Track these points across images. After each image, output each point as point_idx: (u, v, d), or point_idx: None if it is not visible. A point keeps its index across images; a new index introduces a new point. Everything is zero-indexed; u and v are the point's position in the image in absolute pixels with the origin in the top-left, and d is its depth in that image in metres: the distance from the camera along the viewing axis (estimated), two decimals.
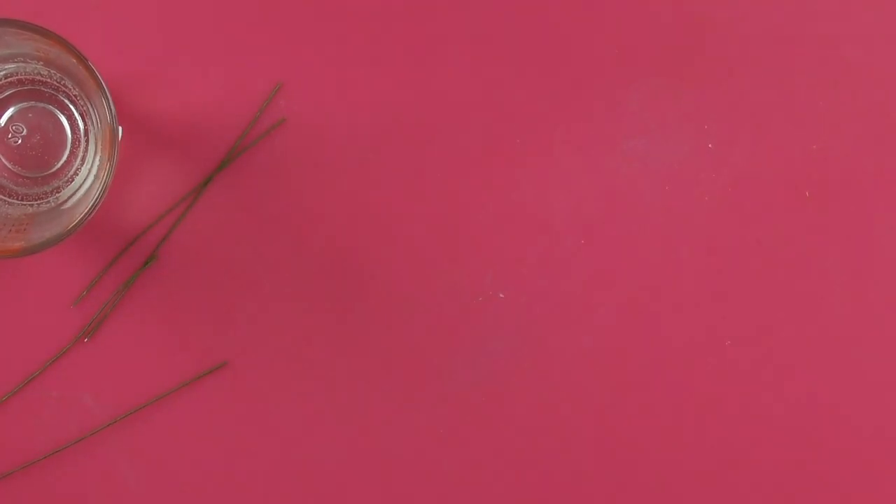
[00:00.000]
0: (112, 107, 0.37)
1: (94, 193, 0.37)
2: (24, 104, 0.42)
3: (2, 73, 0.42)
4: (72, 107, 0.43)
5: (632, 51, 0.45)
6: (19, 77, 0.42)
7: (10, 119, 0.42)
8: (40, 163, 0.43)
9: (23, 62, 0.42)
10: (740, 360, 0.45)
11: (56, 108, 0.43)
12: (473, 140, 0.45)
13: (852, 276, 0.46)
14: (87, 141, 0.43)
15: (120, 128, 0.41)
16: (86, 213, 0.36)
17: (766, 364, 0.45)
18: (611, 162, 0.45)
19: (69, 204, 0.42)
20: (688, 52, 0.45)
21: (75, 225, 0.36)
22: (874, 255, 0.46)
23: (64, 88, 0.42)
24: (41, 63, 0.42)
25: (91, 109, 0.42)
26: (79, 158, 0.43)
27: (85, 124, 0.43)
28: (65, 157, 0.43)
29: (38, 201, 0.43)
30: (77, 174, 0.43)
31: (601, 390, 0.45)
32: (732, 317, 0.46)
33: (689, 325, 0.46)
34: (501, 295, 0.45)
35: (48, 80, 0.42)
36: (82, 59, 0.37)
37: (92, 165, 0.42)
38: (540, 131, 0.45)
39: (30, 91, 0.42)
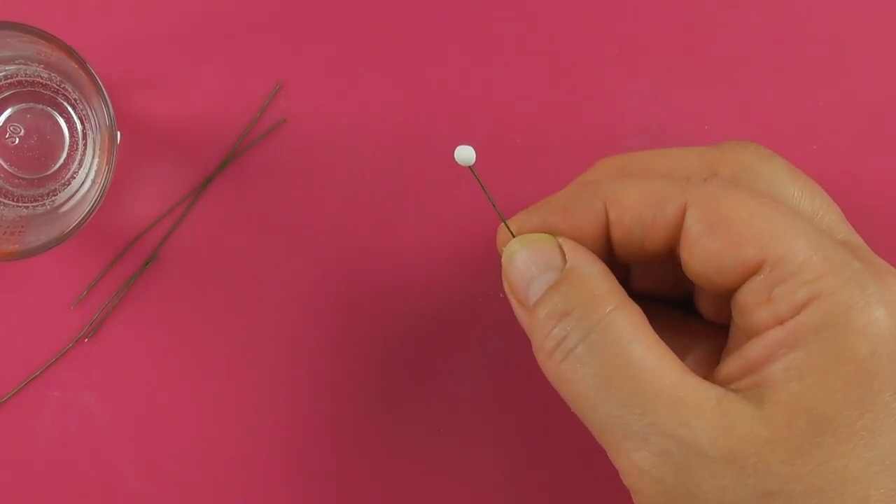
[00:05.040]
0: (111, 112, 0.37)
1: (91, 198, 0.37)
2: (23, 105, 0.43)
3: (2, 74, 0.42)
4: (71, 110, 0.43)
5: (632, 50, 0.45)
6: (19, 79, 0.42)
7: (9, 119, 0.43)
8: (37, 164, 0.43)
9: (24, 64, 0.42)
10: None
11: (55, 110, 0.43)
12: (473, 140, 0.45)
13: None
14: (85, 145, 0.43)
15: (118, 133, 0.41)
16: (82, 219, 0.36)
17: None
18: None
19: (66, 208, 0.42)
20: (688, 50, 0.45)
21: (71, 229, 0.36)
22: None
23: (64, 92, 0.43)
24: (42, 66, 0.42)
25: (90, 113, 0.42)
26: (76, 162, 0.43)
27: (84, 128, 0.43)
28: (62, 160, 0.43)
29: (34, 203, 0.43)
30: (74, 178, 0.43)
31: None
32: None
33: None
34: (501, 295, 0.45)
35: (48, 83, 0.43)
36: (82, 63, 0.37)
37: (89, 170, 0.42)
38: (540, 131, 0.45)
39: (29, 93, 0.42)
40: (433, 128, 0.45)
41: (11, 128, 0.43)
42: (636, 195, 0.33)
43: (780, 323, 0.29)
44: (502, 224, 0.36)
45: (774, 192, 0.33)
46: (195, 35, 0.44)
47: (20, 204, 0.43)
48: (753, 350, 0.30)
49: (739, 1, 0.45)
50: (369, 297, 0.45)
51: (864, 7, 0.46)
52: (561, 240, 0.33)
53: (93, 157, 0.43)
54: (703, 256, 0.31)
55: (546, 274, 0.33)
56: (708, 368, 0.33)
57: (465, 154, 0.33)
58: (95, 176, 0.42)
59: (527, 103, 0.45)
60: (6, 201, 0.43)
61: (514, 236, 0.35)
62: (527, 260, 0.33)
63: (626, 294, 0.32)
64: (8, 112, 0.43)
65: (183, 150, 0.44)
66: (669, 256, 0.33)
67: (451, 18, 0.45)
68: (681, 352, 0.35)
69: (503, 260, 0.34)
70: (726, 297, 0.32)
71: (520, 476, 0.45)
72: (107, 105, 0.37)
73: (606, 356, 0.30)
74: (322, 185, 0.45)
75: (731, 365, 0.31)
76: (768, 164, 0.34)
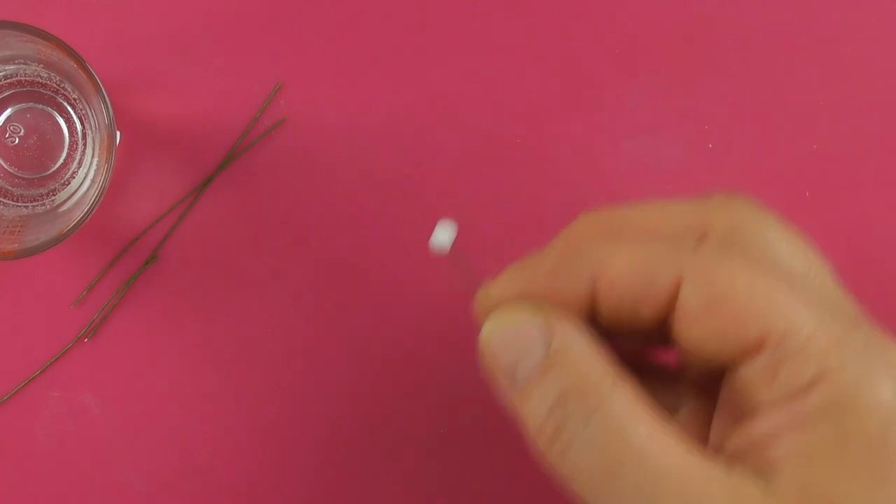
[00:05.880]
0: (110, 111, 0.37)
1: (91, 198, 0.37)
2: (23, 105, 0.43)
3: (1, 74, 0.42)
4: (70, 110, 0.43)
5: (632, 49, 0.45)
6: (19, 79, 0.42)
7: (8, 119, 0.43)
8: (37, 164, 0.43)
9: (23, 64, 0.42)
10: None
11: (55, 110, 0.43)
12: (473, 140, 0.45)
13: (853, 277, 0.46)
14: (84, 144, 0.43)
15: (118, 132, 0.41)
16: (81, 218, 0.36)
17: None
18: (610, 162, 0.45)
19: (65, 207, 0.42)
20: (688, 50, 0.45)
21: (71, 229, 0.36)
22: (874, 255, 0.46)
23: (63, 91, 0.43)
24: (42, 66, 0.42)
25: (90, 113, 0.42)
26: (76, 161, 0.43)
27: (83, 128, 0.43)
28: (61, 160, 0.43)
29: (34, 203, 0.43)
30: (74, 177, 0.43)
31: None
32: None
33: None
34: None
35: (48, 82, 0.43)
36: (82, 63, 0.37)
37: (89, 169, 0.42)
38: (539, 131, 0.45)
39: (29, 93, 0.43)
40: (433, 128, 0.45)
41: (11, 127, 0.43)
42: (625, 265, 0.31)
43: (786, 402, 0.29)
44: (480, 290, 0.34)
45: (766, 251, 0.32)
46: (195, 35, 0.44)
47: (20, 203, 0.43)
48: (758, 429, 0.29)
49: (739, 1, 0.45)
50: (369, 297, 0.45)
51: (864, 7, 0.46)
52: (544, 313, 0.32)
53: (92, 157, 0.43)
54: (701, 334, 0.30)
55: (531, 353, 0.31)
56: (700, 426, 0.32)
57: (443, 237, 0.32)
58: (95, 175, 0.42)
59: (527, 103, 0.45)
60: (6, 201, 0.43)
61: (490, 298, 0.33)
62: (502, 344, 0.32)
63: (618, 369, 0.31)
64: (8, 112, 0.43)
65: (183, 150, 0.44)
66: (659, 326, 0.33)
67: (451, 18, 0.45)
68: (670, 410, 0.34)
69: (480, 344, 0.33)
70: (720, 366, 0.32)
71: (519, 475, 0.45)
72: (106, 105, 0.37)
73: (609, 444, 0.29)
74: (322, 185, 0.45)
75: (734, 442, 0.30)
76: (760, 223, 0.33)
